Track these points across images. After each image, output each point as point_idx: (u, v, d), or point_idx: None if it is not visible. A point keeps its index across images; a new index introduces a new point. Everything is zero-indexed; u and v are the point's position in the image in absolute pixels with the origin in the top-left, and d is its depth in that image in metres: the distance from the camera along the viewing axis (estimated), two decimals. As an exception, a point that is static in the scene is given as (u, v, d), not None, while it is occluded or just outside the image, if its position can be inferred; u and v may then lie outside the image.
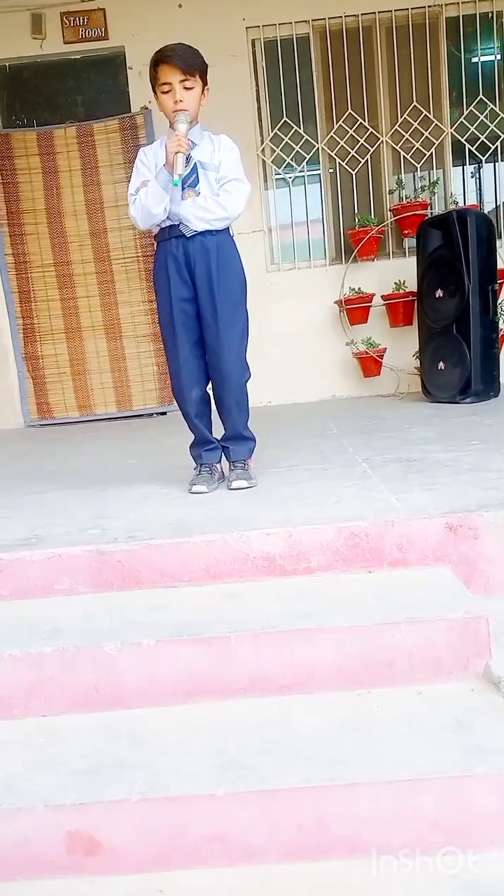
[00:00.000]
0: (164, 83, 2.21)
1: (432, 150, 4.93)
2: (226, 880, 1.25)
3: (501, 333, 4.28)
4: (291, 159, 4.99)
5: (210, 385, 2.44)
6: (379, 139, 4.95)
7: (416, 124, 4.90)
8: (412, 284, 4.56)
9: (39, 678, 1.56)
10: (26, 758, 1.42)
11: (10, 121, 5.11)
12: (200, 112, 2.29)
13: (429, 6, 4.78)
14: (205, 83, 2.26)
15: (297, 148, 4.97)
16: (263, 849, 1.27)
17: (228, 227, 2.35)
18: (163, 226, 2.32)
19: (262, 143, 4.94)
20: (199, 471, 2.42)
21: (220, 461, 2.48)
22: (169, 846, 1.27)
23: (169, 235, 2.32)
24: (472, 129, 4.92)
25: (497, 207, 5.02)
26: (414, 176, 4.97)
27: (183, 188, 2.25)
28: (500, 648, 1.54)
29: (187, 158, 2.23)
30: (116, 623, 1.65)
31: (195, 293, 2.32)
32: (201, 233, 2.28)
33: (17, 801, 1.29)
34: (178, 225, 2.28)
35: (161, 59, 2.19)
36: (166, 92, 2.22)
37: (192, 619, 1.63)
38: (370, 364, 4.86)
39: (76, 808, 1.28)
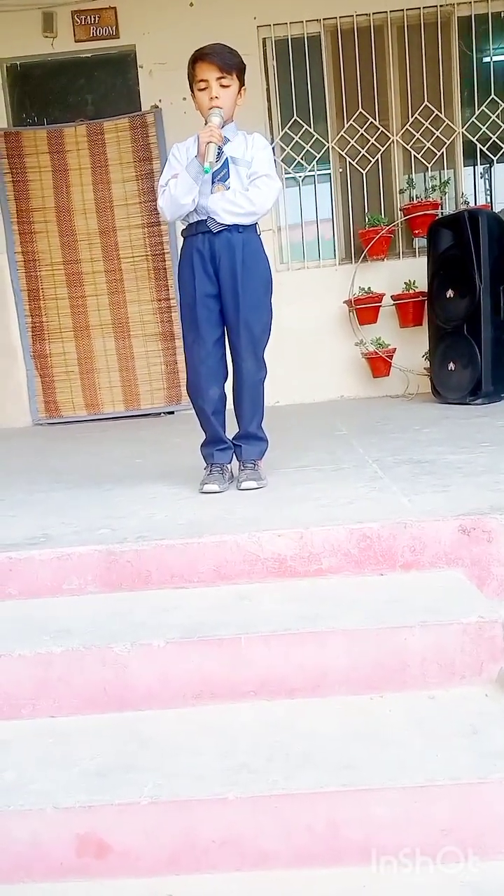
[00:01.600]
0: (201, 80, 2.23)
1: (443, 149, 4.91)
2: (237, 885, 1.24)
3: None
4: (301, 158, 4.98)
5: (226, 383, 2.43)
6: (389, 138, 4.93)
7: (427, 124, 4.88)
8: (422, 284, 4.54)
9: (48, 678, 1.55)
10: (35, 759, 1.41)
11: (20, 119, 5.11)
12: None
13: (440, 5, 4.75)
14: (242, 83, 2.28)
15: (307, 147, 4.95)
16: (275, 853, 1.26)
17: (256, 226, 2.35)
18: (190, 221, 2.33)
19: (273, 141, 4.92)
20: (211, 470, 2.41)
21: (231, 461, 2.47)
22: (179, 850, 1.26)
23: (196, 231, 2.32)
24: (484, 128, 4.89)
25: (508, 208, 4.99)
26: (425, 175, 4.94)
27: (213, 182, 2.26)
28: (514, 653, 1.52)
29: (219, 153, 2.23)
30: (126, 623, 1.64)
31: (219, 289, 2.31)
32: (228, 229, 2.28)
33: (25, 803, 1.28)
34: (206, 220, 2.29)
35: (199, 56, 2.22)
36: (203, 89, 2.24)
37: (203, 620, 1.61)
38: (379, 364, 4.84)
39: (86, 811, 1.27)
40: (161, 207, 2.32)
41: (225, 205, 2.27)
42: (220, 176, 2.27)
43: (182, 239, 2.40)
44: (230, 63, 2.23)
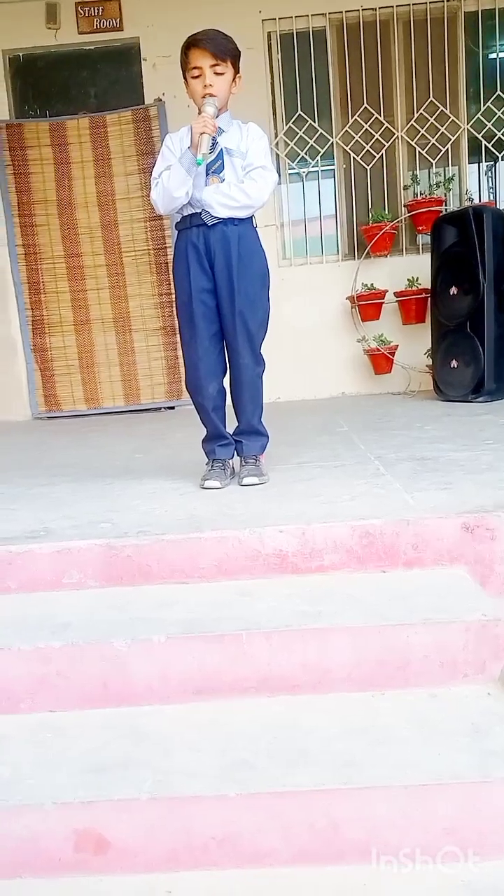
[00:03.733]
0: (195, 67, 2.17)
1: (448, 146, 4.88)
2: (235, 882, 1.23)
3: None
4: (305, 153, 4.95)
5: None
6: (394, 134, 4.90)
7: (432, 120, 4.85)
8: (425, 281, 4.52)
9: (47, 673, 1.54)
10: (34, 754, 1.40)
11: (23, 111, 5.08)
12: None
13: (447, 0, 4.72)
14: (237, 70, 2.22)
15: (311, 142, 4.92)
16: (274, 851, 1.25)
17: (252, 218, 2.31)
18: (184, 213, 2.28)
19: (277, 136, 4.89)
20: (212, 466, 2.39)
21: (232, 457, 2.45)
22: (178, 846, 1.25)
23: (190, 224, 2.28)
24: (489, 125, 4.86)
25: (512, 205, 4.97)
26: (429, 172, 4.92)
27: (207, 174, 2.22)
28: (516, 652, 1.51)
29: (214, 144, 2.19)
30: (126, 618, 1.63)
31: (215, 284, 2.28)
32: (223, 222, 2.24)
33: (24, 798, 1.28)
34: (200, 213, 2.24)
35: (192, 43, 2.16)
36: (196, 77, 2.18)
37: (203, 615, 1.60)
38: (381, 361, 4.83)
39: (84, 806, 1.26)
40: (154, 200, 2.27)
41: (219, 198, 2.22)
42: (215, 168, 2.22)
43: (177, 232, 2.36)
44: (224, 49, 2.16)
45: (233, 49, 2.19)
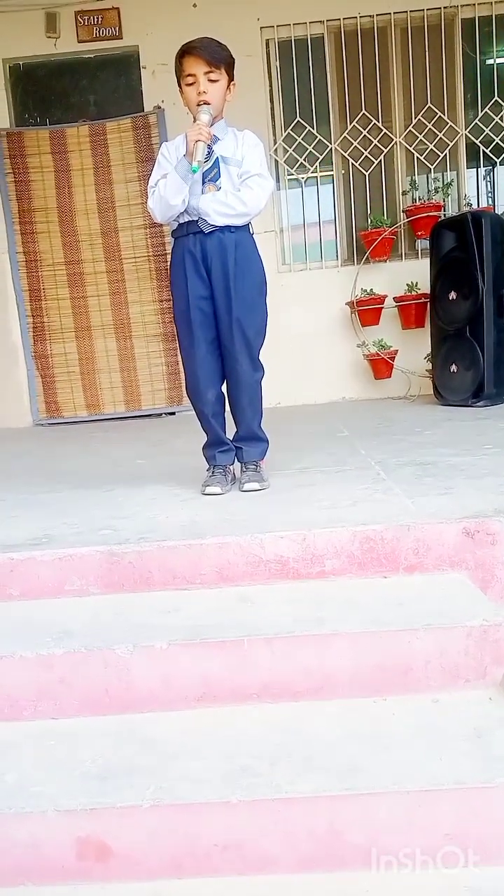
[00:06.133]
0: (189, 74, 2.19)
1: (446, 151, 4.90)
2: (239, 889, 1.23)
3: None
4: (304, 160, 4.97)
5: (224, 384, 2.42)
6: (392, 140, 4.92)
7: (430, 125, 4.87)
8: (425, 286, 4.53)
9: (50, 680, 1.54)
10: (36, 761, 1.40)
11: (23, 119, 5.10)
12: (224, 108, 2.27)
13: (444, 7, 4.74)
14: (231, 78, 2.24)
15: (310, 148, 4.94)
16: (277, 858, 1.25)
17: (248, 225, 2.31)
18: (181, 221, 2.29)
19: (275, 143, 4.91)
20: (213, 472, 2.40)
21: (233, 463, 2.46)
22: (181, 853, 1.25)
23: (187, 231, 2.29)
24: (487, 130, 4.88)
25: (511, 210, 4.98)
26: (427, 177, 4.94)
27: (204, 182, 2.23)
28: (518, 657, 1.51)
29: (209, 152, 2.20)
30: (128, 625, 1.64)
31: (212, 291, 2.29)
32: (220, 229, 2.25)
33: (26, 805, 1.28)
34: (197, 221, 2.25)
35: (186, 50, 2.18)
36: (190, 84, 2.20)
37: (205, 622, 1.61)
38: (381, 366, 4.83)
39: (87, 814, 1.26)
40: (151, 208, 2.28)
41: (216, 206, 2.23)
42: (211, 176, 2.24)
43: (173, 239, 2.37)
44: (218, 57, 2.18)
45: (227, 56, 2.21)
